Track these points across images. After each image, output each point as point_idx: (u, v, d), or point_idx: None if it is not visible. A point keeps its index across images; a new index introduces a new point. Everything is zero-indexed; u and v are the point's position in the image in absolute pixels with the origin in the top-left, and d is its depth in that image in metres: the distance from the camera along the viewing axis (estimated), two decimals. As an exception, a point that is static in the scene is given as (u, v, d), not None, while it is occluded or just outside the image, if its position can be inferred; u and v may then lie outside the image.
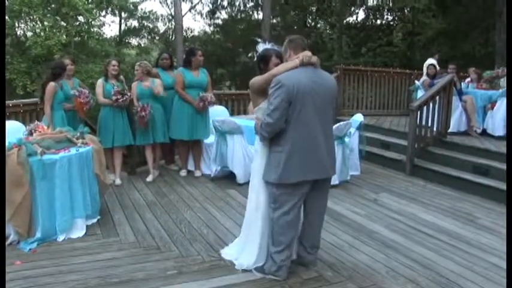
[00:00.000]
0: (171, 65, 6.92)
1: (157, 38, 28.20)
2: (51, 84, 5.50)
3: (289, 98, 3.24)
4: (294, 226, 3.51)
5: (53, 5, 18.47)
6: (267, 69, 3.54)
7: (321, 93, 3.39)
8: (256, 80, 3.52)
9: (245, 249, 3.66)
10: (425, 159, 7.17)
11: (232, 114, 8.26)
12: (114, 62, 6.18)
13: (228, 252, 3.89)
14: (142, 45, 28.06)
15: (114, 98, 5.95)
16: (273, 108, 3.26)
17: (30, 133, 4.65)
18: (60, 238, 4.26)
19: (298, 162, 3.35)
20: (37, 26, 18.48)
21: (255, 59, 3.83)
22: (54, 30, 17.26)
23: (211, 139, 6.63)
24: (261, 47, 3.69)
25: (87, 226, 4.50)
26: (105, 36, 23.15)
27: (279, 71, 3.36)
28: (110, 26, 36.92)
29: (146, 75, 6.28)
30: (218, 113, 7.27)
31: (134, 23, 27.54)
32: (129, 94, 6.10)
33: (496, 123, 7.80)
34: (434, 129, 7.43)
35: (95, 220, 4.67)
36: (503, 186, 5.79)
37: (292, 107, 3.27)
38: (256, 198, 3.58)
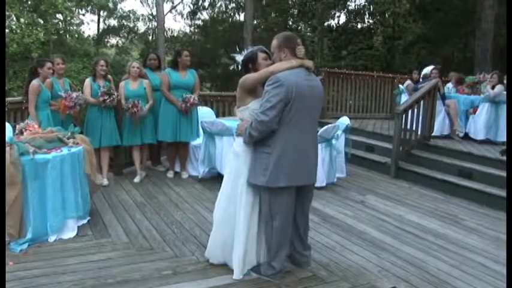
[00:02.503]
0: (159, 66, 6.94)
1: (136, 37, 28.05)
2: (34, 83, 5.43)
3: (287, 99, 3.21)
4: (290, 230, 3.55)
5: (29, 2, 18.24)
6: (255, 67, 3.50)
7: (313, 97, 3.39)
8: (250, 77, 3.44)
9: (238, 257, 3.55)
10: (409, 162, 7.35)
11: (217, 115, 8.31)
12: (102, 62, 6.19)
13: (213, 255, 3.78)
14: (121, 45, 27.92)
15: (101, 98, 5.96)
16: (270, 106, 3.19)
17: (21, 132, 4.62)
18: (52, 239, 4.25)
19: (287, 166, 3.32)
20: (13, 23, 18.23)
21: (239, 67, 3.73)
22: (31, 28, 17.04)
23: (198, 140, 6.68)
24: (239, 57, 3.68)
25: (78, 227, 4.50)
26: (84, 35, 22.98)
27: (277, 69, 3.31)
28: (89, 24, 36.66)
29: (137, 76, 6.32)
30: (205, 114, 7.32)
31: (113, 22, 27.37)
32: (116, 94, 6.10)
33: (478, 127, 8.04)
34: (419, 132, 7.62)
35: (85, 221, 4.67)
36: (486, 188, 6.02)
37: (288, 108, 3.24)
38: (239, 204, 3.49)
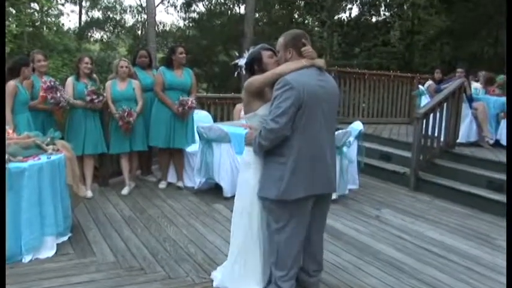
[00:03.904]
0: (150, 64, 6.98)
1: (123, 32, 28.16)
2: (11, 83, 5.43)
3: (298, 103, 3.22)
4: (300, 247, 3.56)
5: (-2, -12, 18.23)
6: (262, 68, 3.53)
7: (327, 99, 3.41)
8: (256, 79, 3.46)
9: (246, 279, 3.61)
10: (431, 172, 7.34)
11: (215, 119, 8.33)
12: (86, 59, 6.21)
13: (218, 278, 3.84)
14: (107, 39, 28.04)
15: (88, 98, 5.97)
16: (280, 112, 3.20)
17: (-7, 138, 4.63)
18: (26, 259, 4.23)
19: (303, 175, 3.34)
20: (-21, 12, 18.23)
21: (243, 70, 3.79)
22: (1, 19, 17.05)
23: (194, 148, 6.70)
24: (242, 61, 3.74)
25: (57, 245, 4.50)
26: (63, 27, 23.02)
27: (285, 71, 3.33)
28: (69, 16, 36.85)
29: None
30: (201, 118, 7.34)
31: (97, 14, 27.49)
32: (104, 95, 6.14)
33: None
34: (442, 139, 7.61)
35: (66, 238, 4.68)
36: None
37: (300, 113, 3.25)
38: (249, 219, 3.54)
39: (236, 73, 3.97)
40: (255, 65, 3.57)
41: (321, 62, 3.48)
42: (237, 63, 3.84)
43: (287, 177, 3.31)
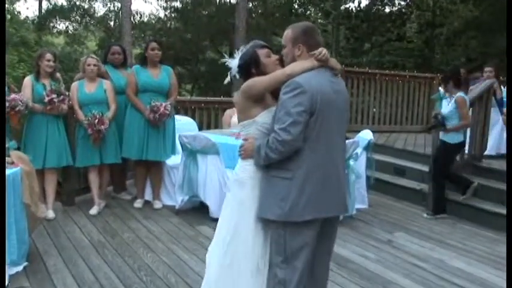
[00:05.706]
0: (124, 62, 6.99)
1: (93, 22, 28.15)
2: None
3: (311, 109, 3.14)
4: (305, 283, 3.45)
5: None
6: (261, 70, 3.41)
7: (341, 105, 3.36)
8: (260, 81, 3.35)
9: None
10: (453, 189, 7.33)
11: (200, 127, 8.33)
12: (48, 56, 6.18)
13: None
14: (73, 31, 27.99)
15: (47, 99, 5.96)
16: (292, 120, 3.09)
17: None
18: (-30, 293, 4.21)
19: (313, 193, 3.23)
20: None
21: (236, 74, 3.56)
22: None
23: (176, 160, 6.71)
24: (233, 62, 3.57)
25: (9, 276, 4.45)
26: (19, 16, 22.95)
27: (296, 71, 3.23)
28: (27, 2, 36.69)
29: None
30: (184, 126, 7.35)
31: (61, 0, 27.43)
32: (68, 94, 6.15)
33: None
34: (466, 150, 7.63)
35: (20, 268, 4.64)
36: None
37: (313, 121, 3.16)
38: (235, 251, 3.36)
39: (229, 79, 3.79)
40: (252, 68, 3.45)
41: (334, 62, 3.41)
42: (228, 64, 3.62)
43: (293, 195, 3.21)
